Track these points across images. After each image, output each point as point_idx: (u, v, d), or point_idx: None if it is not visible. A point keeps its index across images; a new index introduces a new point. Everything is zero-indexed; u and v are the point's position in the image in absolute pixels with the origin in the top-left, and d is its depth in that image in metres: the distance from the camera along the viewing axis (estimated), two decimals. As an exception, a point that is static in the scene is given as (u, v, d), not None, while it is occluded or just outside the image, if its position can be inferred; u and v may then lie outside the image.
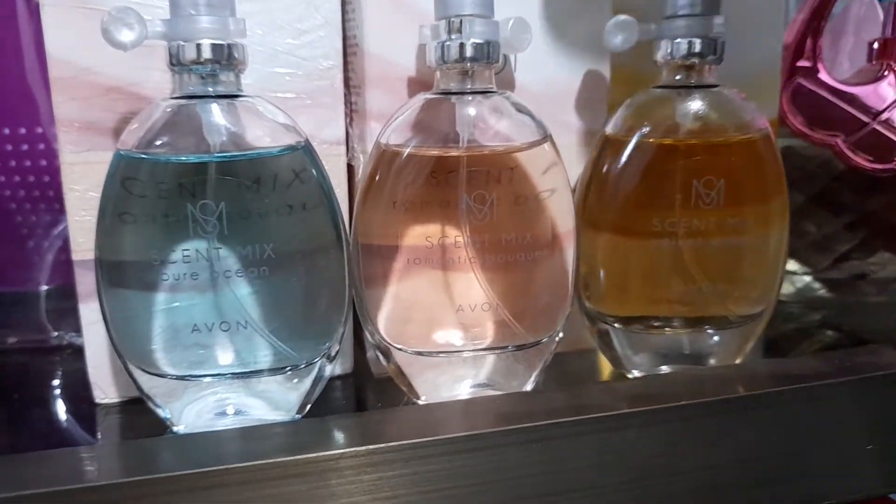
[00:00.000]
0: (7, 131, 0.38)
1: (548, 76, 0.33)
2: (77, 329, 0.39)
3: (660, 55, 0.31)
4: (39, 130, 0.38)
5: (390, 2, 0.30)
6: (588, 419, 0.24)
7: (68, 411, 0.32)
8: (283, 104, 0.28)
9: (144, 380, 0.28)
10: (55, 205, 0.39)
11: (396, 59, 0.30)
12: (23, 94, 0.38)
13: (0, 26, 0.37)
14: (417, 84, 0.31)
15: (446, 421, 0.26)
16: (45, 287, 0.38)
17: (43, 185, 0.39)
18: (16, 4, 0.37)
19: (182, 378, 0.27)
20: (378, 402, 0.32)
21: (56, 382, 0.35)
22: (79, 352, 0.38)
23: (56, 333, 0.38)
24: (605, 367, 0.36)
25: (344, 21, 0.30)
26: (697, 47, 0.30)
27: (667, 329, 0.33)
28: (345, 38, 0.31)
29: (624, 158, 0.31)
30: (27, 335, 0.38)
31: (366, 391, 0.33)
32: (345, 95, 0.31)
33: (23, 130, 0.38)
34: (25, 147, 0.38)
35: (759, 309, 0.33)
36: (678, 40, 0.30)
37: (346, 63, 0.31)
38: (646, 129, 0.31)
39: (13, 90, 0.37)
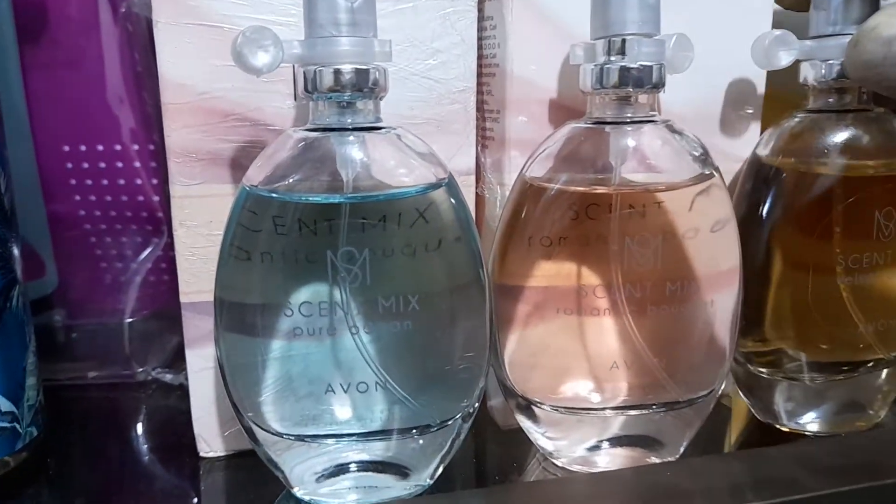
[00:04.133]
0: (84, 148, 0.36)
1: (694, 96, 0.29)
2: (164, 364, 0.37)
3: (811, 77, 0.28)
4: (118, 147, 0.36)
5: (537, 18, 0.27)
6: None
7: (166, 461, 0.29)
8: (412, 131, 0.25)
9: (260, 435, 0.25)
10: (135, 227, 0.37)
11: (539, 81, 0.27)
12: (102, 110, 0.35)
13: (80, 37, 0.35)
14: (558, 108, 0.28)
15: (600, 499, 0.23)
16: (129, 319, 0.36)
17: (121, 205, 0.36)
18: (98, 16, 0.35)
19: (302, 438, 0.25)
20: (505, 458, 0.29)
21: (146, 425, 0.32)
22: (166, 389, 0.36)
23: (141, 369, 0.36)
24: (739, 416, 0.33)
25: (479, 39, 0.28)
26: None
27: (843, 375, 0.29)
28: (479, 59, 0.28)
29: (784, 190, 0.28)
30: (110, 370, 0.36)
31: (488, 444, 0.30)
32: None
33: (100, 147, 0.36)
34: (103, 165, 0.36)
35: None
36: (831, 61, 0.28)
37: (479, 85, 0.28)
38: (812, 157, 0.28)
39: (92, 105, 0.35)
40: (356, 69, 0.22)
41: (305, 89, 0.23)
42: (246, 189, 0.23)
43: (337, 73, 0.22)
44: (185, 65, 0.25)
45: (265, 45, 0.22)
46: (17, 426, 0.27)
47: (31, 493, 0.27)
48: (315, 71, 0.22)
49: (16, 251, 0.27)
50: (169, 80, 0.25)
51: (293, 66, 0.23)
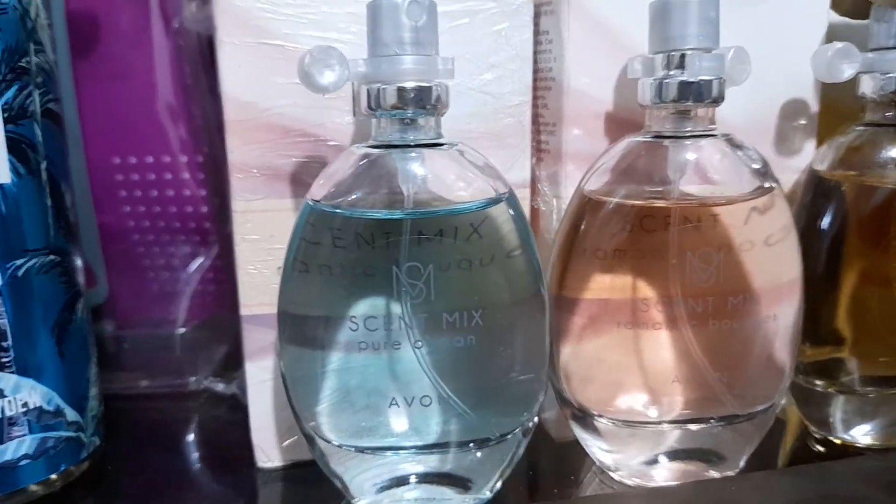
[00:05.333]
0: (134, 160, 0.36)
1: (751, 108, 0.29)
2: (214, 374, 0.37)
3: (869, 90, 0.28)
4: (167, 159, 0.36)
5: (594, 31, 0.27)
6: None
7: (223, 472, 0.30)
8: (467, 144, 0.26)
9: (321, 445, 0.25)
10: (184, 238, 0.37)
11: (595, 94, 0.27)
12: (152, 122, 0.36)
13: (132, 51, 0.35)
14: (614, 121, 0.28)
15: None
16: (180, 330, 0.37)
17: (170, 216, 0.37)
18: (150, 30, 0.35)
19: (361, 449, 0.25)
20: (561, 471, 0.29)
21: (201, 435, 0.33)
22: (218, 399, 0.37)
23: (193, 378, 0.37)
24: (792, 427, 0.32)
25: (535, 53, 0.28)
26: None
27: None
28: (534, 72, 0.28)
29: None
30: (162, 380, 0.36)
31: (543, 456, 0.30)
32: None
33: (150, 159, 0.36)
34: (152, 177, 0.36)
35: None
36: (891, 74, 0.27)
37: (535, 99, 0.28)
38: (872, 170, 0.27)
39: (142, 118, 0.36)
40: (419, 87, 0.22)
41: (368, 106, 0.23)
42: (309, 204, 0.24)
43: (400, 90, 0.22)
44: (247, 83, 0.25)
45: (331, 64, 0.22)
46: (82, 436, 0.27)
47: (93, 502, 0.28)
48: (379, 89, 0.22)
49: (79, 264, 0.28)
50: (232, 98, 0.25)
51: (352, 84, 0.24)
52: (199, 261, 0.37)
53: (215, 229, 0.37)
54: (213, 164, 0.37)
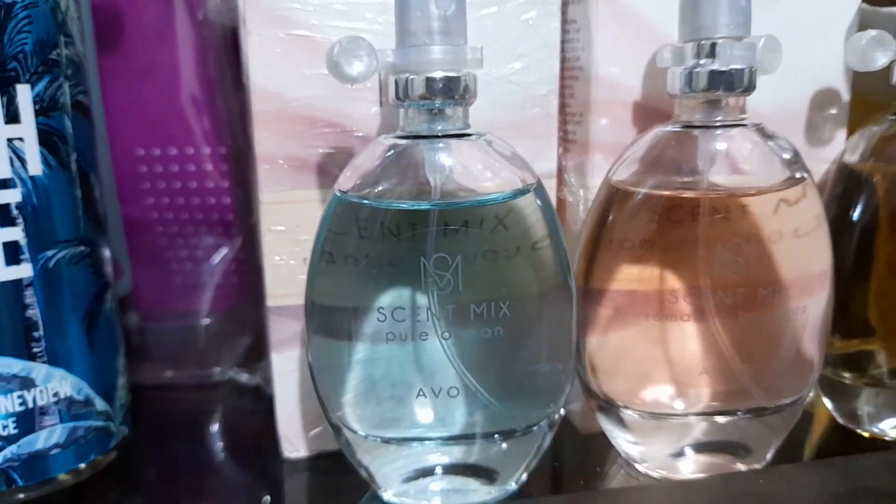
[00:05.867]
0: (157, 152, 0.36)
1: (781, 97, 0.29)
2: (238, 364, 0.38)
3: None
4: (191, 151, 0.37)
5: (622, 20, 0.27)
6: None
7: (249, 461, 0.30)
8: (493, 134, 0.25)
9: (347, 436, 0.25)
10: (207, 230, 0.37)
11: (623, 84, 0.27)
12: (176, 114, 0.36)
13: (156, 44, 0.36)
14: (642, 110, 0.27)
15: None
16: (205, 321, 0.37)
17: (193, 208, 0.37)
18: (174, 23, 0.36)
19: (387, 440, 0.25)
20: (587, 463, 0.29)
21: (225, 425, 0.33)
22: (241, 389, 0.37)
23: (217, 369, 0.37)
24: (819, 419, 0.32)
25: (562, 42, 0.27)
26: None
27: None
28: (561, 62, 0.28)
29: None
30: (186, 370, 0.37)
31: (568, 448, 0.30)
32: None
33: (174, 151, 0.36)
34: (176, 168, 0.37)
35: None
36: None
37: (561, 88, 0.28)
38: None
39: (166, 109, 0.36)
40: (448, 77, 0.22)
41: (396, 97, 0.23)
42: (337, 195, 0.24)
43: (429, 80, 0.22)
44: (275, 74, 0.25)
45: (360, 54, 0.22)
46: (111, 425, 0.28)
47: (120, 492, 0.28)
48: (407, 79, 0.22)
49: (108, 255, 0.28)
50: (259, 89, 0.25)
51: (379, 74, 0.24)
52: (222, 252, 0.37)
53: (238, 221, 0.37)
54: (236, 156, 0.37)
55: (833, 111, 0.30)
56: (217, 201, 0.37)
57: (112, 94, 0.35)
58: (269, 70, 0.25)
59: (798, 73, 0.29)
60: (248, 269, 0.38)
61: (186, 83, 0.36)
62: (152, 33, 0.36)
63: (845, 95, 0.30)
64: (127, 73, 0.35)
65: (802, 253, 0.26)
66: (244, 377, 0.36)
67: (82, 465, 0.27)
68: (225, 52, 0.37)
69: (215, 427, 0.33)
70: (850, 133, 0.30)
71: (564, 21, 0.28)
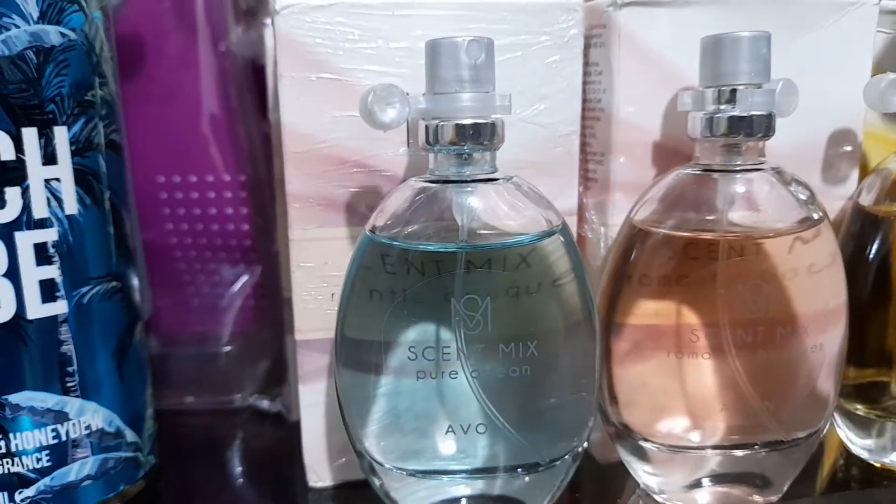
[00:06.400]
0: (178, 179, 0.37)
1: (795, 136, 0.29)
2: (258, 391, 0.38)
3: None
4: (210, 179, 0.37)
5: (643, 63, 0.27)
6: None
7: (275, 491, 0.30)
8: (516, 174, 0.26)
9: (374, 467, 0.26)
10: (225, 256, 0.38)
11: (644, 125, 0.28)
12: (197, 142, 0.37)
13: (178, 73, 0.36)
14: (662, 151, 0.28)
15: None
16: (224, 347, 0.37)
17: (212, 234, 0.38)
18: (197, 53, 0.36)
19: (413, 473, 0.26)
20: (606, 493, 0.29)
21: (249, 453, 0.33)
22: (262, 415, 0.37)
23: (238, 395, 0.37)
24: (831, 449, 0.33)
25: (584, 84, 0.28)
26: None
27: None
28: (583, 102, 0.28)
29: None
30: (207, 396, 0.37)
31: (587, 478, 0.30)
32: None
33: (193, 178, 0.37)
34: (195, 195, 0.37)
35: None
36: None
37: (583, 129, 0.29)
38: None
39: (187, 138, 0.37)
40: (476, 123, 0.23)
41: (427, 141, 0.24)
42: (368, 235, 0.24)
43: (458, 127, 0.23)
44: (306, 115, 0.26)
45: (393, 102, 0.23)
46: (140, 455, 0.28)
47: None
48: (438, 125, 0.23)
49: (137, 288, 0.29)
50: (291, 130, 0.26)
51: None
52: (242, 279, 0.37)
53: (258, 248, 0.38)
54: (255, 184, 0.38)
55: (848, 149, 0.31)
56: (236, 228, 0.37)
57: (133, 121, 0.36)
58: (300, 111, 0.26)
59: (814, 111, 0.29)
60: (267, 295, 0.39)
61: (207, 112, 0.36)
62: (174, 62, 0.36)
63: (860, 134, 0.31)
64: (148, 101, 0.36)
65: (817, 289, 0.26)
66: (265, 403, 0.36)
67: (111, 496, 0.27)
68: (245, 82, 0.38)
69: (238, 455, 0.33)
70: (864, 169, 0.31)
71: (586, 63, 0.28)
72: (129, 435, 0.28)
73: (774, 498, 0.27)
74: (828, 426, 0.32)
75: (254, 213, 0.38)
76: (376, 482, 0.26)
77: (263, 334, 0.38)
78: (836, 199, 0.31)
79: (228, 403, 0.36)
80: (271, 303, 0.38)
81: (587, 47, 0.28)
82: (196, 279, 0.38)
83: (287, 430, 0.34)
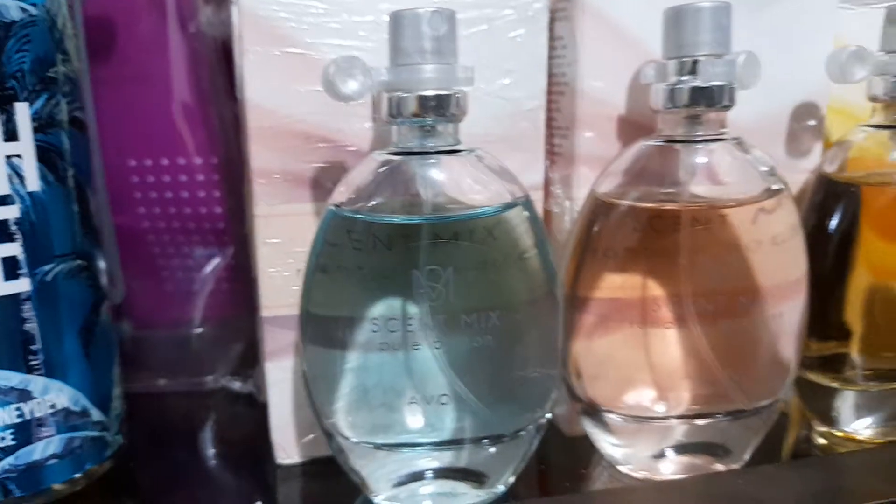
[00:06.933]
0: (149, 162, 0.37)
1: (759, 109, 0.30)
2: (230, 372, 0.38)
3: (881, 91, 0.29)
4: (182, 161, 0.37)
5: (607, 37, 0.28)
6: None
7: (243, 469, 0.30)
8: (481, 148, 0.26)
9: (340, 443, 0.26)
10: (198, 239, 0.38)
11: (608, 99, 0.28)
12: (168, 125, 0.36)
13: (149, 55, 0.36)
14: (626, 124, 0.28)
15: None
16: (196, 329, 0.37)
17: (184, 218, 0.38)
18: (167, 34, 0.36)
19: (378, 446, 0.26)
20: (572, 465, 0.29)
21: (219, 433, 0.33)
22: (234, 397, 0.37)
23: (210, 377, 0.37)
24: (794, 420, 0.33)
25: (549, 59, 0.28)
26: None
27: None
28: (549, 77, 0.28)
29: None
30: (180, 378, 0.37)
31: (553, 451, 0.30)
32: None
33: (165, 161, 0.37)
34: (167, 178, 0.37)
35: None
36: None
37: (548, 103, 0.29)
38: (883, 171, 0.28)
39: (158, 120, 0.36)
40: (439, 95, 0.23)
41: (389, 114, 0.24)
42: (332, 210, 0.24)
43: (421, 98, 0.23)
44: (270, 91, 0.26)
45: (355, 73, 0.23)
46: (106, 435, 0.28)
47: (115, 501, 0.28)
48: (399, 97, 0.23)
49: (103, 267, 0.29)
50: (255, 106, 0.26)
51: (372, 91, 0.24)
52: (214, 261, 0.37)
53: (230, 230, 0.38)
54: (227, 166, 0.37)
55: (812, 122, 0.31)
56: (209, 211, 0.37)
57: (103, 104, 0.36)
58: (264, 87, 0.26)
59: (778, 85, 0.30)
60: (240, 277, 0.39)
61: (178, 94, 0.36)
62: (144, 44, 0.36)
63: (823, 108, 0.31)
64: (118, 83, 0.35)
65: (780, 260, 0.27)
66: (237, 385, 0.36)
67: (78, 475, 0.27)
68: (217, 64, 0.38)
69: (209, 434, 0.33)
70: (828, 143, 0.32)
71: (551, 38, 0.28)
72: (96, 414, 0.28)
73: (736, 466, 0.28)
74: (788, 397, 0.32)
75: (226, 196, 0.38)
76: (343, 458, 0.26)
77: (237, 316, 0.38)
78: (799, 173, 0.31)
79: (200, 385, 0.36)
80: (244, 285, 0.38)
81: (552, 21, 0.28)
82: (169, 262, 0.38)
83: (258, 411, 0.33)
